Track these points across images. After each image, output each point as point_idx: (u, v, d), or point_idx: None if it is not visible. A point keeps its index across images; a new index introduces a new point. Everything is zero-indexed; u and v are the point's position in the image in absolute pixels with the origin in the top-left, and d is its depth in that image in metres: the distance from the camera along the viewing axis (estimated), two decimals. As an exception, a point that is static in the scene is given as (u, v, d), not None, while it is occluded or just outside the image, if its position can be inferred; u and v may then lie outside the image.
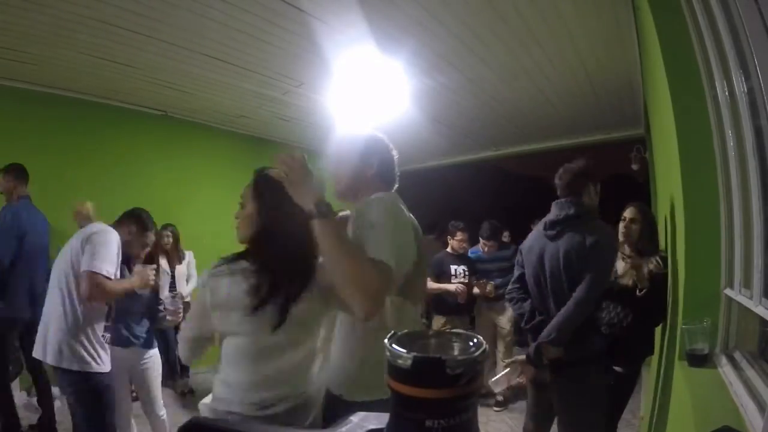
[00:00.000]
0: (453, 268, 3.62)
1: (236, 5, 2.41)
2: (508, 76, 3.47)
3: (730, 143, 1.34)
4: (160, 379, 2.45)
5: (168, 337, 3.71)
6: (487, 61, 3.15)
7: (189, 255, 3.99)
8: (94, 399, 1.96)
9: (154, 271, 2.14)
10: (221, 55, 3.06)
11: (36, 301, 2.53)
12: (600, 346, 1.92)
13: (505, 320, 3.73)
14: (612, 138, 5.24)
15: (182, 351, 1.28)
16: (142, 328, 2.34)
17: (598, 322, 2.12)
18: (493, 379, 2.16)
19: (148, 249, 2.30)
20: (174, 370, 3.83)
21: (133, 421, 2.37)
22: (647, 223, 2.27)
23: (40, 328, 2.02)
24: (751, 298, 1.20)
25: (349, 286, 1.05)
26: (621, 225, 2.29)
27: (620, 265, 2.26)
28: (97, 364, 1.95)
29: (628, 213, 2.31)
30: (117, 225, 2.15)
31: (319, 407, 1.23)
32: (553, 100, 4.01)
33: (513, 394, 3.71)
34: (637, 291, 2.04)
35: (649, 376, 3.08)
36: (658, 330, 2.33)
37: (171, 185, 4.37)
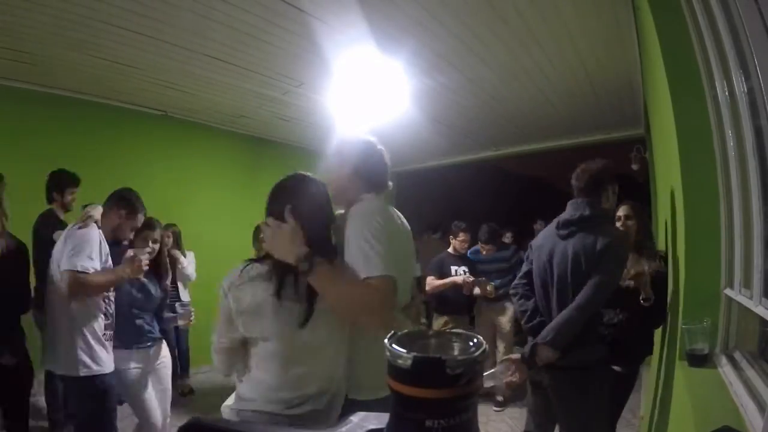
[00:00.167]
0: (454, 268, 3.62)
1: (237, 5, 2.41)
2: (508, 76, 3.47)
3: (730, 143, 1.34)
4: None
5: (168, 335, 3.71)
6: (487, 61, 3.15)
7: (190, 255, 3.99)
8: (97, 402, 1.94)
9: (146, 256, 2.06)
10: (221, 56, 3.06)
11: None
12: (601, 353, 1.88)
13: (505, 320, 3.73)
14: (612, 138, 5.24)
15: (219, 365, 1.27)
16: (156, 326, 2.34)
17: (600, 328, 2.08)
18: (485, 373, 2.13)
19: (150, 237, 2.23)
20: (174, 371, 3.83)
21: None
22: (642, 220, 2.27)
23: (47, 336, 2.01)
24: (751, 298, 1.20)
25: (353, 314, 1.17)
26: (617, 224, 2.28)
27: None
28: (98, 366, 1.92)
29: (622, 211, 2.30)
30: (105, 210, 2.08)
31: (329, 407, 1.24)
32: (553, 100, 4.02)
33: (513, 394, 3.72)
34: (642, 300, 2.01)
35: (649, 376, 3.08)
36: (658, 330, 2.33)
37: (171, 185, 4.38)
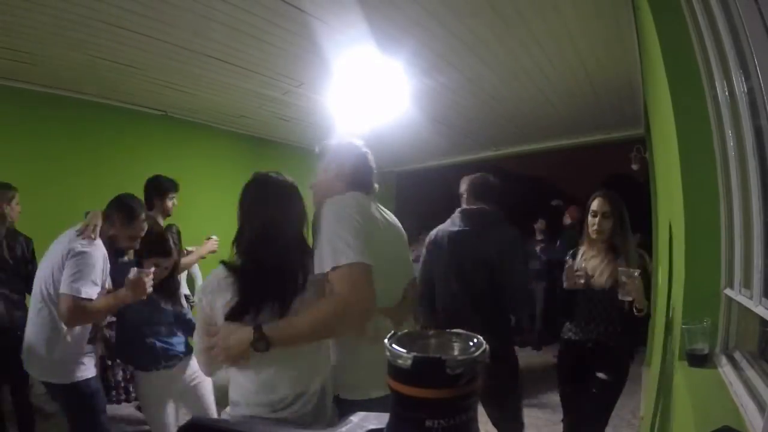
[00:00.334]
0: (453, 268, 3.62)
1: (237, 5, 2.41)
2: (507, 76, 3.47)
3: (730, 143, 1.34)
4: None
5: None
6: (486, 61, 3.15)
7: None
8: (84, 406, 1.92)
9: (150, 277, 1.85)
10: (222, 56, 3.06)
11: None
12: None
13: None
14: (612, 138, 5.24)
15: (201, 365, 1.30)
16: (180, 339, 2.07)
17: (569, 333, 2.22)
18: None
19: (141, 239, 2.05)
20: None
21: None
22: (619, 214, 2.09)
23: (25, 338, 1.94)
24: (751, 298, 1.20)
25: (333, 334, 1.20)
26: (590, 219, 2.13)
27: (592, 265, 2.14)
28: (81, 371, 1.89)
29: (596, 205, 2.11)
30: (104, 217, 1.97)
31: (332, 407, 1.24)
32: (553, 100, 4.01)
33: (524, 391, 3.72)
34: (635, 311, 1.93)
35: (649, 376, 3.08)
36: (659, 331, 2.33)
37: (171, 185, 4.37)
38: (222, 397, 2.75)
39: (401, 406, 0.35)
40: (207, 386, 2.15)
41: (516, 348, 3.95)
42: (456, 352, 0.37)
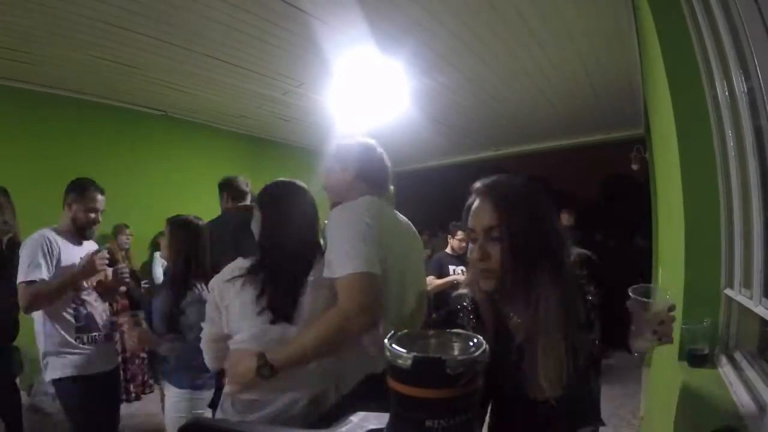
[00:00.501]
0: (452, 268, 3.61)
1: (237, 5, 2.41)
2: (508, 76, 3.47)
3: (730, 143, 1.34)
4: None
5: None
6: (487, 61, 3.15)
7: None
8: (73, 404, 1.93)
9: (105, 257, 1.93)
10: (222, 56, 3.06)
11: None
12: None
13: None
14: (612, 138, 5.24)
15: (205, 356, 1.31)
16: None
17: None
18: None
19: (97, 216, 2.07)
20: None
21: None
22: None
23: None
24: (751, 298, 1.20)
25: (339, 346, 1.13)
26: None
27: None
28: (68, 369, 1.90)
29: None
30: (63, 205, 2.06)
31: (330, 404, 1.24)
32: (553, 100, 4.01)
33: None
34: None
35: (649, 376, 3.08)
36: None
37: (171, 185, 4.37)
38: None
39: (401, 406, 0.35)
40: None
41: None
42: (456, 352, 0.37)
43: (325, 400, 1.20)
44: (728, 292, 1.40)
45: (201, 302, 1.68)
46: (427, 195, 7.62)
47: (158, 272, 3.44)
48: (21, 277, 1.80)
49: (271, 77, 3.46)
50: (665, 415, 1.75)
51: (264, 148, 5.31)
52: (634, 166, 4.78)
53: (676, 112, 1.54)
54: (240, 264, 1.24)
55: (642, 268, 4.91)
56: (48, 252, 1.89)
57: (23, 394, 3.22)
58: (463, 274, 3.58)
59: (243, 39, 2.81)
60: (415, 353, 0.34)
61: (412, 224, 1.49)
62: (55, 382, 1.91)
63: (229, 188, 2.57)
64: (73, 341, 1.93)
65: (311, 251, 1.27)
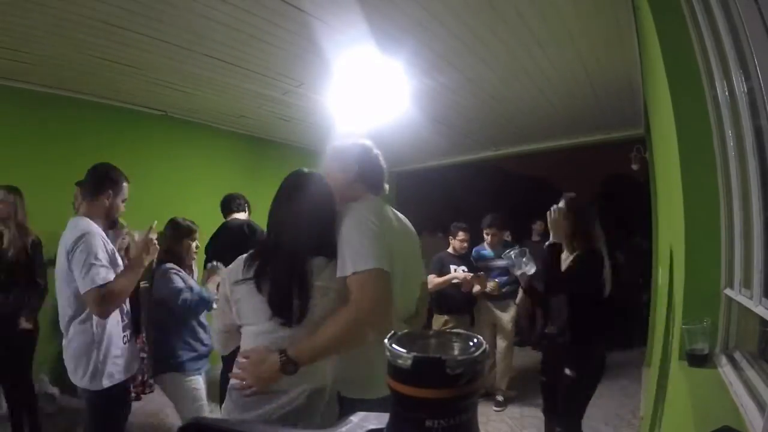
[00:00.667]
0: (453, 267, 3.62)
1: (237, 5, 2.41)
2: (508, 76, 3.47)
3: (730, 143, 1.34)
4: None
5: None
6: (487, 61, 3.15)
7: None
8: (113, 411, 1.84)
9: (154, 233, 1.89)
10: (221, 56, 3.06)
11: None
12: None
13: (507, 318, 3.73)
14: (612, 138, 5.24)
15: (214, 342, 1.38)
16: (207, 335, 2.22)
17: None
18: None
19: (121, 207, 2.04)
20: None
21: None
22: (575, 217, 2.18)
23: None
24: (751, 298, 1.20)
25: (354, 344, 1.18)
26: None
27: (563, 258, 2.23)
28: (120, 375, 1.81)
29: (560, 204, 2.24)
30: (92, 199, 1.91)
31: (331, 401, 1.25)
32: (553, 100, 4.01)
33: (514, 395, 3.73)
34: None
35: (649, 376, 3.09)
36: (659, 331, 2.33)
37: (171, 185, 4.38)
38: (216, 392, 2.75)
39: (401, 406, 0.35)
40: None
41: (515, 348, 3.98)
42: (456, 352, 0.37)
43: (324, 393, 1.22)
44: (728, 292, 1.40)
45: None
46: (427, 195, 7.62)
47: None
48: (91, 284, 1.66)
49: (271, 77, 3.46)
50: (665, 415, 1.76)
51: (264, 148, 5.31)
52: (634, 166, 4.78)
53: (676, 112, 1.54)
54: (250, 260, 1.24)
55: (642, 268, 4.91)
56: (106, 248, 1.81)
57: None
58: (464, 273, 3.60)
59: (243, 39, 2.81)
60: (415, 353, 0.34)
61: (410, 223, 1.53)
62: (105, 391, 1.77)
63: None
64: (122, 343, 1.86)
65: (321, 248, 1.24)
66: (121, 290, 1.76)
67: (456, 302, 3.60)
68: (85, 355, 1.77)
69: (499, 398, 3.63)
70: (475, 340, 0.37)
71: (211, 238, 3.06)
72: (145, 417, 3.29)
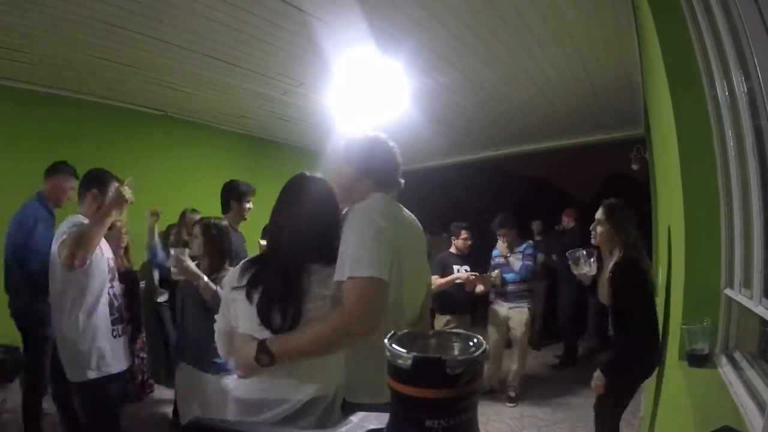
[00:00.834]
0: (456, 267, 3.62)
1: (237, 5, 2.41)
2: (508, 76, 3.47)
3: (730, 143, 1.34)
4: None
5: (163, 318, 3.69)
6: (487, 61, 3.15)
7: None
8: (104, 405, 1.89)
9: (132, 185, 2.00)
10: (222, 56, 3.06)
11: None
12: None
13: (522, 319, 3.71)
14: (612, 138, 5.24)
15: (218, 344, 1.34)
16: None
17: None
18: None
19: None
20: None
21: None
22: (612, 222, 2.17)
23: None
24: (751, 298, 1.20)
25: (338, 347, 1.15)
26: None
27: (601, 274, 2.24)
28: (106, 367, 1.85)
29: (597, 214, 2.23)
30: (82, 199, 2.03)
31: (330, 408, 1.23)
32: (553, 100, 4.01)
33: (524, 390, 3.75)
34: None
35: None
36: (659, 331, 2.33)
37: (171, 185, 4.37)
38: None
39: (401, 406, 0.35)
40: None
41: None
42: (456, 352, 0.37)
43: (325, 400, 1.20)
44: (728, 292, 1.40)
45: None
46: (427, 195, 7.62)
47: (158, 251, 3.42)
48: (58, 238, 1.80)
49: (271, 77, 3.46)
50: (665, 415, 1.76)
51: (264, 148, 5.31)
52: (634, 166, 4.78)
53: (676, 112, 1.54)
54: (247, 266, 1.24)
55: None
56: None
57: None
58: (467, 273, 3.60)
59: (243, 39, 2.81)
60: (415, 353, 0.34)
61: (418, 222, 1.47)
62: (90, 382, 1.82)
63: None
64: (111, 336, 1.90)
65: (320, 254, 1.22)
66: (88, 235, 1.79)
67: (458, 302, 3.60)
68: (72, 346, 1.82)
69: (512, 394, 3.66)
70: (475, 340, 0.37)
71: None
72: (145, 417, 3.29)
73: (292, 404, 1.16)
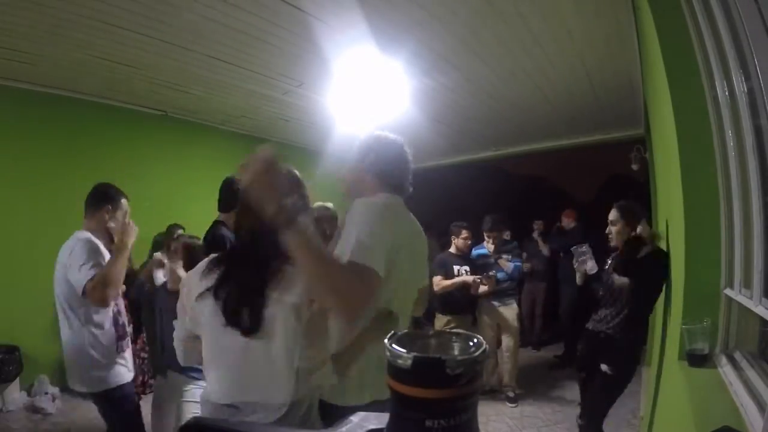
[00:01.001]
0: (456, 268, 3.62)
1: (237, 5, 2.41)
2: (507, 76, 3.47)
3: (730, 143, 1.35)
4: None
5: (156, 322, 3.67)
6: (486, 60, 3.15)
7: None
8: (120, 412, 1.93)
9: (132, 223, 1.98)
10: (221, 55, 3.06)
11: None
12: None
13: (512, 317, 3.74)
14: (612, 138, 5.24)
15: (178, 354, 1.28)
16: None
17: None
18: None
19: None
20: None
21: None
22: (626, 221, 2.30)
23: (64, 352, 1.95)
24: (751, 298, 1.20)
25: (326, 295, 1.02)
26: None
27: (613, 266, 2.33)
28: (115, 378, 1.90)
29: (610, 215, 2.37)
30: (92, 214, 1.99)
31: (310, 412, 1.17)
32: (552, 99, 4.02)
33: (524, 390, 3.75)
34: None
35: (649, 376, 3.08)
36: (659, 331, 2.33)
37: (171, 185, 4.38)
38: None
39: (401, 406, 0.35)
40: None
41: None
42: (456, 352, 0.37)
43: (303, 405, 1.13)
44: (728, 292, 1.40)
45: None
46: (427, 195, 7.62)
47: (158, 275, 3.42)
48: (83, 279, 1.78)
49: (271, 77, 3.46)
50: (665, 415, 1.76)
51: (264, 148, 5.31)
52: (634, 166, 4.78)
53: (676, 112, 1.54)
54: (211, 265, 1.17)
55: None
56: (103, 256, 1.91)
57: (23, 394, 3.24)
58: (467, 273, 3.60)
59: (243, 39, 2.81)
60: (415, 353, 0.34)
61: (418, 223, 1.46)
62: (99, 394, 1.87)
63: None
64: (115, 351, 1.93)
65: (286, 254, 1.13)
66: (114, 274, 1.83)
67: (459, 303, 3.60)
68: (86, 358, 1.85)
69: (510, 394, 3.66)
70: (475, 340, 0.37)
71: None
72: (145, 417, 3.29)
73: (269, 410, 1.09)
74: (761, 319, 1.13)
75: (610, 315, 2.25)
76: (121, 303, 2.08)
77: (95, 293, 1.78)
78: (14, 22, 2.56)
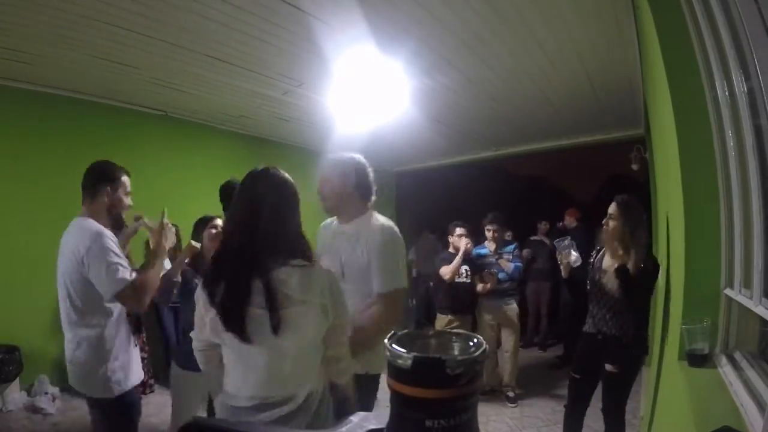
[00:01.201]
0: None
1: (236, 5, 2.41)
2: (508, 76, 3.47)
3: (730, 143, 1.34)
4: None
5: (162, 318, 3.68)
6: (487, 61, 3.15)
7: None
8: (127, 420, 1.78)
9: (170, 225, 1.93)
10: (221, 55, 3.06)
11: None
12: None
13: (512, 316, 3.73)
14: (612, 138, 5.24)
15: (199, 361, 1.29)
16: None
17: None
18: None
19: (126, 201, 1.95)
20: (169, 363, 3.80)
21: None
22: (624, 220, 2.24)
23: (65, 350, 1.77)
24: (751, 298, 1.20)
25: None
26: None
27: (606, 261, 2.32)
28: (120, 386, 1.72)
29: (610, 209, 2.34)
30: (92, 198, 1.84)
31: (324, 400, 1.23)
32: (553, 100, 4.01)
33: (524, 390, 3.74)
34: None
35: (649, 376, 3.08)
36: (657, 332, 2.33)
37: (171, 185, 4.37)
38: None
39: (401, 406, 0.35)
40: None
41: (520, 349, 4.00)
42: (456, 352, 0.37)
43: (317, 394, 1.19)
44: (728, 292, 1.40)
45: None
46: (427, 195, 7.61)
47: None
48: (121, 282, 1.61)
49: (271, 77, 3.46)
50: (665, 415, 1.76)
51: (264, 148, 5.31)
52: (634, 166, 4.78)
53: (676, 112, 1.54)
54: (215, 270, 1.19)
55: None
56: (115, 240, 1.75)
57: (23, 394, 3.23)
58: (467, 275, 3.61)
59: (243, 39, 2.81)
60: (415, 353, 0.34)
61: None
62: (117, 398, 1.70)
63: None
64: (132, 347, 1.81)
65: (303, 248, 1.18)
66: (153, 278, 1.74)
67: (460, 302, 3.60)
68: (95, 363, 1.69)
69: (510, 394, 3.66)
70: (475, 340, 0.37)
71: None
72: (145, 417, 3.29)
73: (286, 405, 1.14)
74: (761, 319, 1.13)
75: (606, 315, 2.25)
76: None
77: (132, 298, 1.65)
78: (14, 22, 2.56)
